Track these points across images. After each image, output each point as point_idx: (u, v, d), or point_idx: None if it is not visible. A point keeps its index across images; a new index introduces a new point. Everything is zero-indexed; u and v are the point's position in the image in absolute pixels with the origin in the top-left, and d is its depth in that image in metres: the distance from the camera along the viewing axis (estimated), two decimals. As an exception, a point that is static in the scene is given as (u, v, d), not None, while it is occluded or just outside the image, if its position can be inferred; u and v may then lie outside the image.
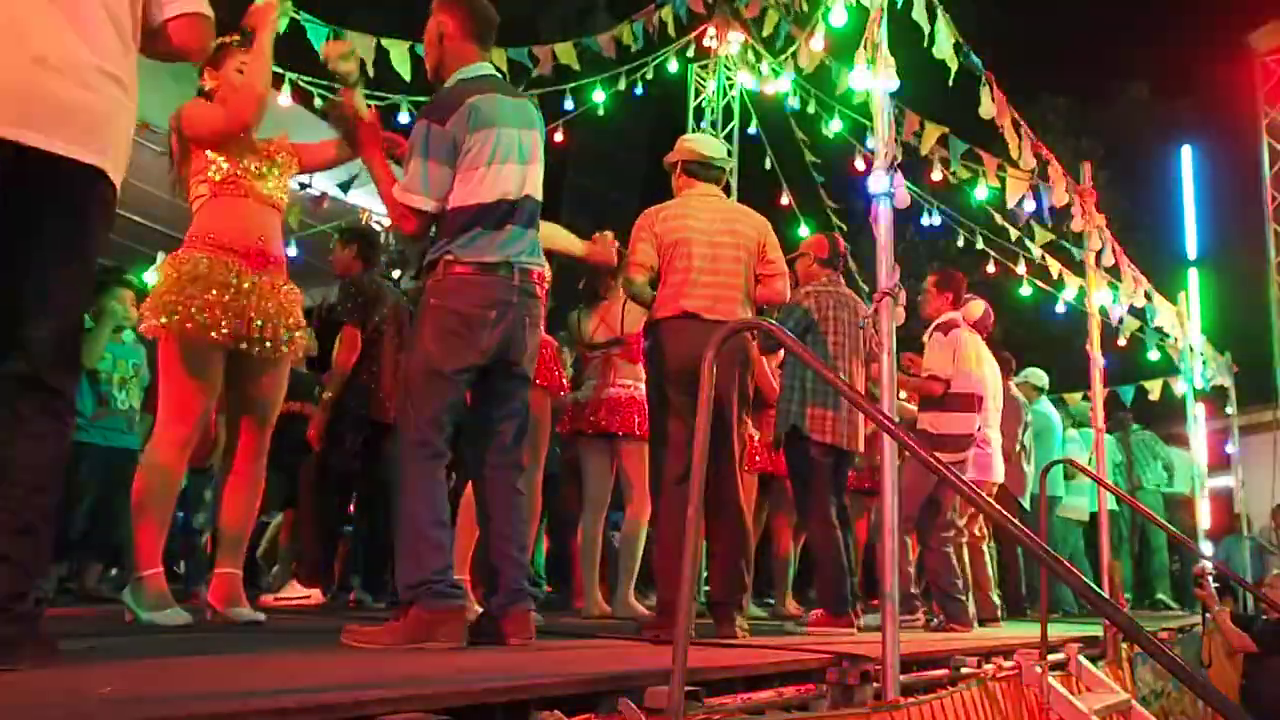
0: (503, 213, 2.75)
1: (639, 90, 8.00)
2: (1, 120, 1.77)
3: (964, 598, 4.69)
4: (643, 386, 4.53)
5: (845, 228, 9.00)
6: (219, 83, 3.14)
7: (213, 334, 2.94)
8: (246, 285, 3.01)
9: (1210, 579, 6.08)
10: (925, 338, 5.05)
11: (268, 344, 3.05)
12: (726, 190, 4.80)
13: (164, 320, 2.92)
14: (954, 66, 4.73)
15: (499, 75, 2.94)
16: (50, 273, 1.86)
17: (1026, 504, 6.31)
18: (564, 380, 4.18)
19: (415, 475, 2.65)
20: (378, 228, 6.89)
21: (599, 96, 7.72)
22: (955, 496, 4.71)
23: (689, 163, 3.68)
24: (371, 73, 5.77)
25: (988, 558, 5.58)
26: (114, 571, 5.36)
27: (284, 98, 5.68)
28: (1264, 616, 5.76)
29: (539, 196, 2.92)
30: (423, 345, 2.70)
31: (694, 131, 9.17)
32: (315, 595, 4.41)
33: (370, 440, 4.68)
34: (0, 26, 1.80)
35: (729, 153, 6.63)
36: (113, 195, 1.95)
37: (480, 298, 2.69)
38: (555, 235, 3.95)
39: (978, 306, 5.29)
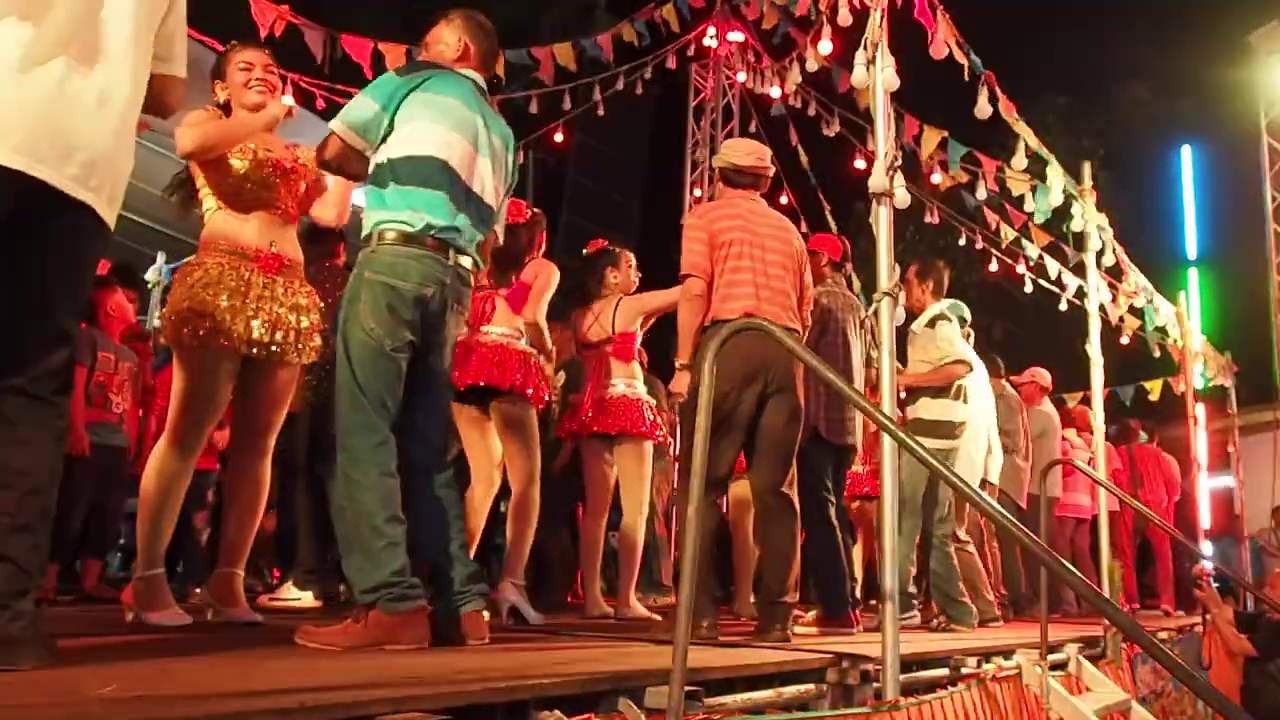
0: (439, 173, 2.68)
1: (639, 90, 8.00)
2: (19, 153, 1.82)
3: (965, 600, 4.68)
4: (636, 385, 4.50)
5: (838, 228, 9.00)
6: (229, 90, 3.13)
7: (224, 341, 2.93)
8: (259, 288, 3.00)
9: (1210, 580, 6.06)
10: (914, 328, 4.91)
11: (275, 348, 3.03)
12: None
13: (178, 330, 2.92)
14: (964, 64, 4.72)
15: (482, 86, 2.93)
16: (50, 300, 1.92)
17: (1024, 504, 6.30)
18: (546, 392, 4.15)
19: (365, 466, 2.54)
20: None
21: (598, 99, 7.72)
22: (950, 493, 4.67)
23: (724, 169, 3.69)
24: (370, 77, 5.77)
25: (987, 558, 5.57)
26: (113, 569, 5.37)
27: (286, 98, 5.68)
28: (1266, 615, 5.72)
29: (492, 203, 2.88)
30: (362, 322, 2.59)
31: (696, 132, 9.19)
32: (307, 598, 4.37)
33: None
34: (20, 60, 1.83)
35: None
36: (109, 231, 2.02)
37: (415, 273, 2.62)
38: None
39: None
